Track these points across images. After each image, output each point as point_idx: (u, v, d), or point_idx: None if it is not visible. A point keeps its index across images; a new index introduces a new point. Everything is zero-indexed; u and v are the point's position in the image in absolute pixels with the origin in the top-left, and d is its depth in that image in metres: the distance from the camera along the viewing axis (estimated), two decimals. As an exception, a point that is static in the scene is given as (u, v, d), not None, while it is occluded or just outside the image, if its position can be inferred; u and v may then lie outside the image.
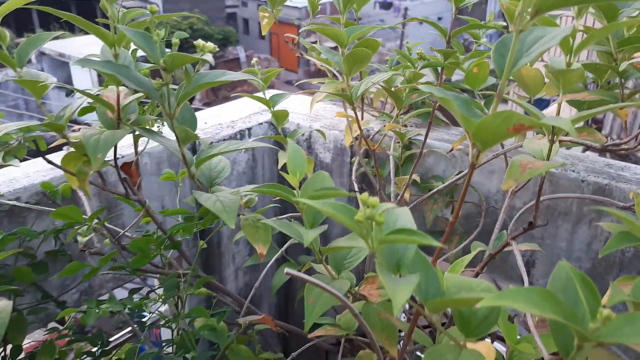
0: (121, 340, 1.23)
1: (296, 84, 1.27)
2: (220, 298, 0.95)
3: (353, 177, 1.06)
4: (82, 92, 0.63)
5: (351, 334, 0.77)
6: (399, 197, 0.95)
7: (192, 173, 0.67)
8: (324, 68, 1.01)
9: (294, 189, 0.61)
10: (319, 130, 1.09)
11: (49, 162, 0.73)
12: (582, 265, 0.97)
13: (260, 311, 0.88)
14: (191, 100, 1.33)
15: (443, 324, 0.89)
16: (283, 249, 0.85)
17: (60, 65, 10.66)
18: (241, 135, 1.18)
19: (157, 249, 0.77)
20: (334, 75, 0.99)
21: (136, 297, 0.82)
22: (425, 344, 0.54)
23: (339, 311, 0.82)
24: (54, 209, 0.77)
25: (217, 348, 0.81)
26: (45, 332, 0.83)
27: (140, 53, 0.74)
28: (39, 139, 0.81)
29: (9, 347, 0.78)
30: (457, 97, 0.49)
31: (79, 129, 0.68)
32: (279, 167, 0.95)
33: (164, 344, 0.81)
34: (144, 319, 0.84)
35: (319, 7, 1.07)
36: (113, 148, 0.76)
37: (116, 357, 0.86)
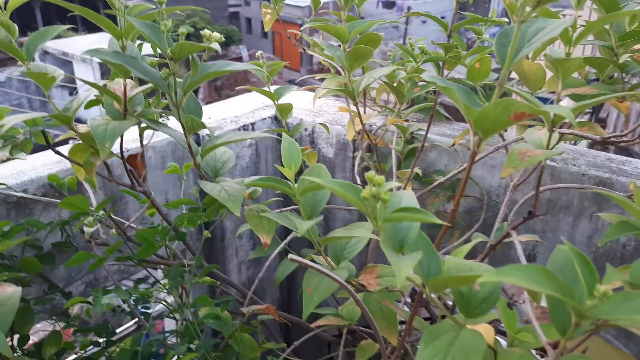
0: (125, 334, 1.24)
1: (299, 79, 1.28)
2: (224, 289, 0.96)
3: (355, 171, 1.07)
4: (90, 83, 0.64)
5: (353, 324, 0.78)
6: (400, 190, 0.96)
7: (198, 163, 0.68)
8: (326, 63, 1.02)
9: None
10: (322, 124, 1.10)
11: (58, 153, 0.74)
12: (582, 259, 0.97)
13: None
14: (195, 96, 1.34)
15: (443, 317, 0.90)
16: (286, 241, 0.86)
17: (64, 64, 10.70)
18: (245, 129, 1.19)
19: (162, 239, 0.78)
20: (337, 71, 1.00)
21: (142, 288, 0.84)
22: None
23: (340, 303, 0.83)
24: (60, 201, 0.78)
25: (221, 339, 0.82)
26: (52, 323, 0.84)
27: (144, 51, 0.75)
28: (46, 134, 0.82)
29: (16, 337, 0.79)
30: (459, 86, 0.50)
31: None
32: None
33: (167, 334, 0.82)
34: (149, 310, 0.85)
35: (322, 4, 1.08)
36: (119, 141, 0.78)
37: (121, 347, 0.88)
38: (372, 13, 15.70)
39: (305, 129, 1.23)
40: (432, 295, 0.42)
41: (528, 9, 0.44)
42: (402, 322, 0.75)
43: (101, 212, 0.80)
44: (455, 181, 1.03)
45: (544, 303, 0.55)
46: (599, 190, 0.68)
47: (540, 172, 0.64)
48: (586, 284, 0.35)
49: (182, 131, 0.66)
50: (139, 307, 0.83)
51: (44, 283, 0.87)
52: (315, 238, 0.65)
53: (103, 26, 0.62)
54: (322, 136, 1.23)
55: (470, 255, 0.71)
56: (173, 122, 0.83)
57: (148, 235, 0.77)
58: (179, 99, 0.59)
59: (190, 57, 0.57)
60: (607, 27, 0.81)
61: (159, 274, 1.00)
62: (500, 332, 1.02)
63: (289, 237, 0.89)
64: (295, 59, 15.76)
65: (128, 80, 0.69)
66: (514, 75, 0.90)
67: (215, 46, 0.52)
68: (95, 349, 0.83)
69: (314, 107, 1.28)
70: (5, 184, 0.83)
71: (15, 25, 0.70)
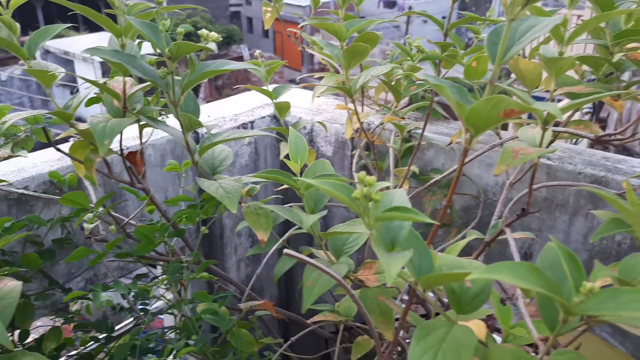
0: (124, 331, 1.25)
1: (299, 78, 1.29)
2: (222, 286, 0.97)
3: (353, 169, 1.08)
4: (90, 80, 0.65)
5: (349, 320, 0.78)
6: (397, 188, 0.97)
7: (196, 160, 0.69)
8: (325, 62, 1.03)
9: (295, 175, 0.63)
10: (320, 122, 1.11)
11: (58, 150, 0.75)
12: (578, 257, 0.98)
13: (262, 300, 0.90)
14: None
15: (437, 314, 0.91)
16: (284, 238, 0.87)
17: (65, 63, 10.72)
18: (244, 128, 1.20)
19: (161, 236, 0.79)
20: (336, 70, 1.01)
21: (141, 284, 0.85)
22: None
23: (338, 300, 0.84)
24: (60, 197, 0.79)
25: (219, 335, 0.83)
26: (51, 319, 0.85)
27: (145, 49, 0.76)
28: (47, 131, 0.83)
29: (17, 332, 0.80)
30: (451, 84, 0.50)
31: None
32: (281, 157, 0.97)
33: (166, 329, 0.83)
34: (147, 306, 0.86)
35: (322, 3, 1.08)
36: (119, 138, 0.78)
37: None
38: (373, 13, 15.69)
39: (304, 127, 1.24)
40: (425, 292, 0.42)
41: (518, 7, 0.45)
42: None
43: (101, 209, 0.80)
44: (452, 179, 1.04)
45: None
46: (592, 188, 0.69)
47: (534, 169, 0.65)
48: (573, 281, 0.36)
49: (180, 129, 0.67)
50: (138, 303, 0.84)
51: (44, 279, 0.87)
52: (317, 232, 0.66)
53: (103, 25, 0.63)
54: (321, 134, 1.23)
55: (466, 253, 0.72)
56: (172, 120, 0.84)
57: (147, 232, 0.78)
58: (177, 97, 0.60)
59: (188, 56, 0.58)
60: (603, 26, 0.82)
61: (158, 271, 1.01)
62: (497, 330, 1.03)
63: (287, 234, 0.90)
64: (297, 59, 15.76)
65: (128, 79, 0.70)
66: (512, 73, 0.91)
67: (212, 46, 0.53)
68: (95, 345, 0.84)
69: (312, 106, 1.29)
70: (6, 181, 0.84)
71: (17, 24, 0.71)
